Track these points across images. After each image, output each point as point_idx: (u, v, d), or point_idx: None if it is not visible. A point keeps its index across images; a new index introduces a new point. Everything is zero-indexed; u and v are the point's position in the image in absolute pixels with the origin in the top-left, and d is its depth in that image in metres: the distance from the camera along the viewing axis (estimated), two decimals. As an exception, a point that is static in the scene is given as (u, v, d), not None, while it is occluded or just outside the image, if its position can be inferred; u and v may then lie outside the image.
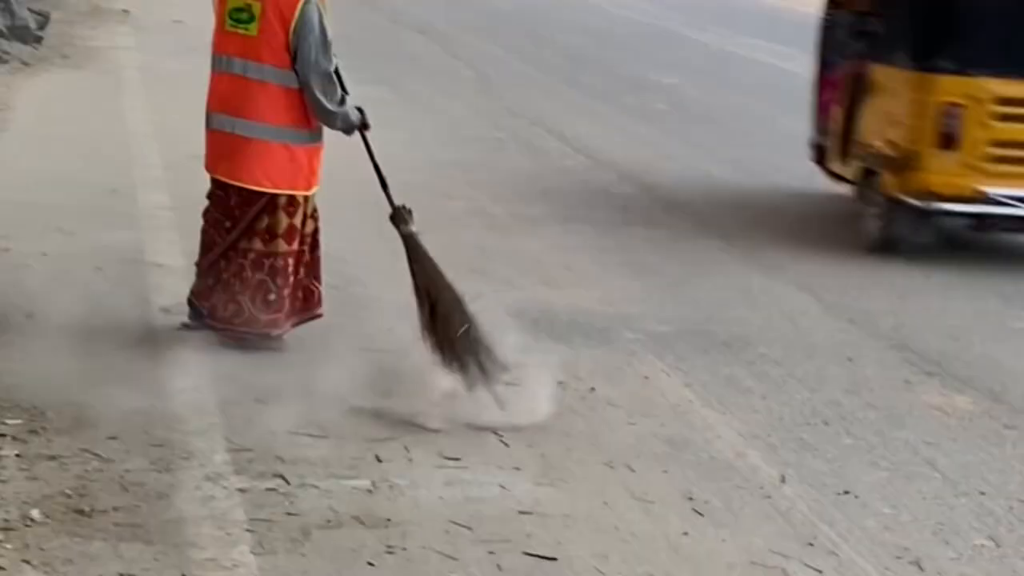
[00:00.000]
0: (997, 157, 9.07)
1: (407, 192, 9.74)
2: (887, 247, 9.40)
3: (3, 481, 5.02)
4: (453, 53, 18.10)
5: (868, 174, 9.55)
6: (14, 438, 5.39)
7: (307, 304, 6.76)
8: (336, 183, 9.84)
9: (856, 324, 7.89)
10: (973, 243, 9.83)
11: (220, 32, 6.56)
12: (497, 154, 11.75)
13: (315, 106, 6.42)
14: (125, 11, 18.83)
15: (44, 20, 16.20)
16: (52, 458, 5.25)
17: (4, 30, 15.05)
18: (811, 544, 5.03)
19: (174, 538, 4.69)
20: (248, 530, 4.79)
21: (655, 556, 4.85)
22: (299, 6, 6.31)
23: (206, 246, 6.72)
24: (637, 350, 7.03)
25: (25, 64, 14.29)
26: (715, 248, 9.30)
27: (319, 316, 6.80)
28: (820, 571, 4.82)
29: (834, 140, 10.14)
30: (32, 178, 9.42)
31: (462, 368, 6.08)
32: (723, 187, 11.35)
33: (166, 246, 8.13)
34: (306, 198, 6.65)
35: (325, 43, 6.34)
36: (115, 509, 4.87)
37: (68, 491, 4.97)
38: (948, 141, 9.00)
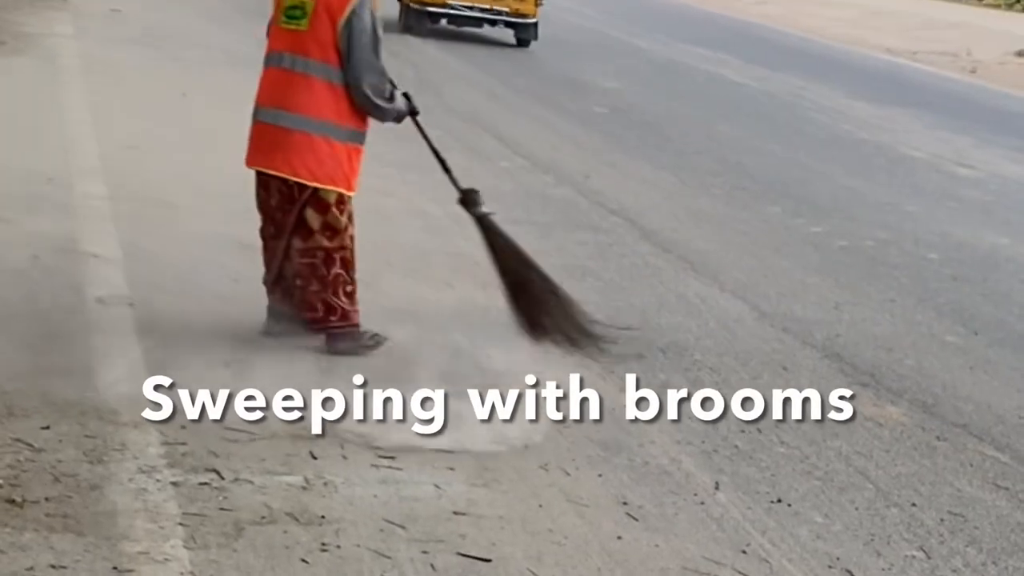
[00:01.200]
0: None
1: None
2: (406, 31, 16.20)
3: (-69, 470, 4.96)
4: (393, 52, 18.05)
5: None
6: (-57, 426, 5.33)
7: (325, 318, 6.74)
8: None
9: (791, 333, 7.93)
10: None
11: (274, 29, 6.62)
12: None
13: (366, 104, 6.48)
14: (63, -2, 18.68)
15: (-19, 4, 16.03)
16: (-18, 447, 5.19)
17: (-60, 13, 14.88)
18: (744, 551, 5.05)
19: (106, 530, 4.64)
20: (181, 524, 4.75)
21: (589, 559, 4.85)
22: (350, 5, 6.36)
23: (267, 261, 6.78)
24: (572, 354, 7.02)
25: (-40, 49, 14.13)
26: (652, 254, 9.32)
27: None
28: (752, 578, 4.85)
29: None
30: (-34, 164, 9.31)
31: (557, 337, 6.73)
32: (661, 192, 11.38)
33: (101, 236, 8.05)
34: (348, 197, 6.64)
35: (376, 42, 6.40)
36: (47, 500, 4.82)
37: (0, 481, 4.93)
38: None
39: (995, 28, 34.90)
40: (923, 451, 6.37)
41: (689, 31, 24.20)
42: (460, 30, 22.18)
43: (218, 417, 5.60)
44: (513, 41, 22.15)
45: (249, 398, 5.80)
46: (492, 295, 7.69)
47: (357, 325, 6.71)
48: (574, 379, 6.55)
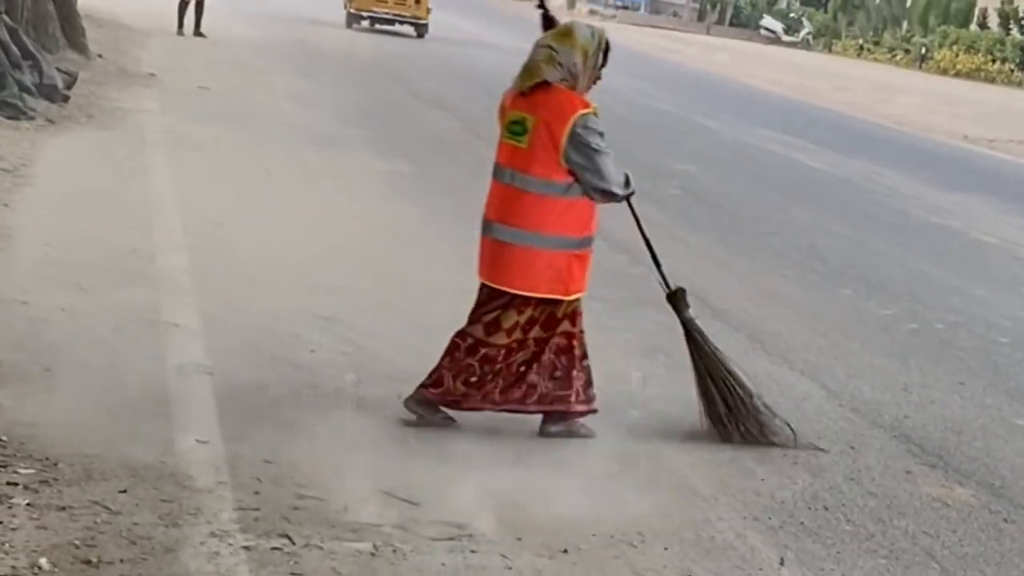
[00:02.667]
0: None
1: (421, 265, 9.99)
2: (348, 27, 32.55)
3: (13, 529, 5.09)
4: (472, 131, 18.26)
5: None
6: (26, 487, 5.46)
7: (524, 398, 6.77)
8: (351, 257, 10.04)
9: (859, 413, 7.96)
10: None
11: (501, 142, 6.72)
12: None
13: (611, 200, 6.64)
14: (152, 75, 19.06)
15: (72, 80, 16.40)
16: (62, 509, 5.32)
17: (32, 88, 15.24)
18: (806, 626, 5.09)
19: (180, 592, 4.76)
20: (252, 587, 4.86)
21: (652, 630, 4.90)
22: (570, 123, 6.40)
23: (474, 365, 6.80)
24: (643, 429, 7.10)
25: (51, 122, 14.46)
26: (723, 332, 9.35)
27: (530, 412, 6.83)
28: (814, 652, 4.88)
29: None
30: (53, 235, 9.54)
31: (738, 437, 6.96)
32: (734, 273, 11.44)
33: (182, 307, 8.23)
34: (560, 301, 6.64)
35: (600, 151, 6.44)
36: (122, 561, 4.94)
37: (76, 542, 5.05)
38: None
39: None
40: (990, 532, 6.38)
41: (763, 115, 24.30)
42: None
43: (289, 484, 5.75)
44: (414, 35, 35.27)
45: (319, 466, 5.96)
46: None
47: (425, 399, 6.75)
48: (641, 454, 6.64)
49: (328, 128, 16.90)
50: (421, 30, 35.45)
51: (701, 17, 60.13)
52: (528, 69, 6.50)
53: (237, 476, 5.83)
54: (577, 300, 6.71)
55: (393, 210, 12.16)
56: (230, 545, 5.19)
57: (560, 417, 6.81)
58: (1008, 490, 6.99)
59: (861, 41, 55.75)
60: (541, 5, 6.85)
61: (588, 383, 6.82)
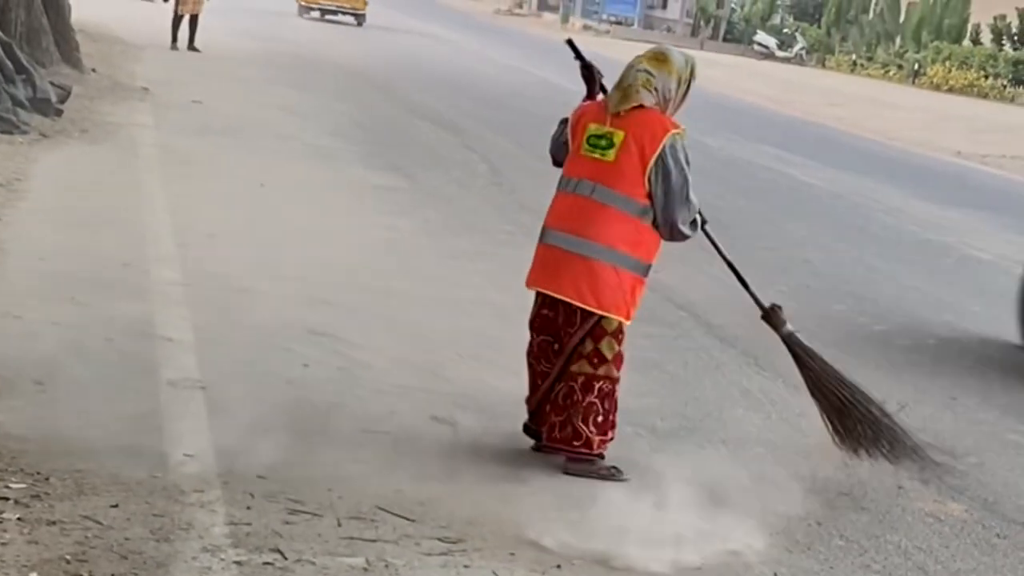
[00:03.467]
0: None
1: (415, 280, 9.99)
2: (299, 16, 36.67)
3: (3, 544, 5.07)
4: (467, 145, 18.29)
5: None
6: (16, 502, 5.44)
7: (573, 440, 6.63)
8: (343, 270, 10.04)
9: (853, 429, 7.95)
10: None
11: (575, 156, 6.65)
12: (506, 246, 11.87)
13: (677, 238, 6.55)
14: (145, 89, 19.07)
15: (65, 94, 16.40)
16: (53, 523, 5.30)
17: (25, 102, 15.24)
18: (799, 642, 5.08)
19: (171, 606, 4.75)
20: (244, 602, 4.85)
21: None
22: (663, 142, 6.37)
23: (533, 383, 6.76)
24: (636, 444, 7.09)
25: (44, 136, 14.46)
26: (717, 348, 9.39)
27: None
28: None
29: None
30: (47, 248, 9.53)
31: (873, 450, 6.90)
32: (728, 288, 11.42)
33: (176, 320, 8.22)
34: (624, 327, 6.59)
35: (686, 179, 6.42)
36: (113, 576, 4.94)
37: (67, 556, 5.03)
38: None
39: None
40: (983, 548, 6.38)
41: (757, 130, 24.32)
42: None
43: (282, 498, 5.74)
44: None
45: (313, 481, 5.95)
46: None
47: (599, 455, 6.61)
48: (634, 468, 6.63)
49: (321, 140, 16.91)
50: (360, 20, 44.90)
51: (695, 32, 60.22)
52: (624, 91, 6.46)
53: (229, 491, 5.82)
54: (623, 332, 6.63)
55: (386, 221, 12.16)
56: (222, 560, 5.17)
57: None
58: (1001, 505, 6.98)
59: (854, 57, 55.87)
60: (571, 43, 6.92)
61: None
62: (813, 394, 7.10)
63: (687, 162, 6.43)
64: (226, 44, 26.65)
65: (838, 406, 7.04)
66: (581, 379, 6.55)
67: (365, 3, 44.48)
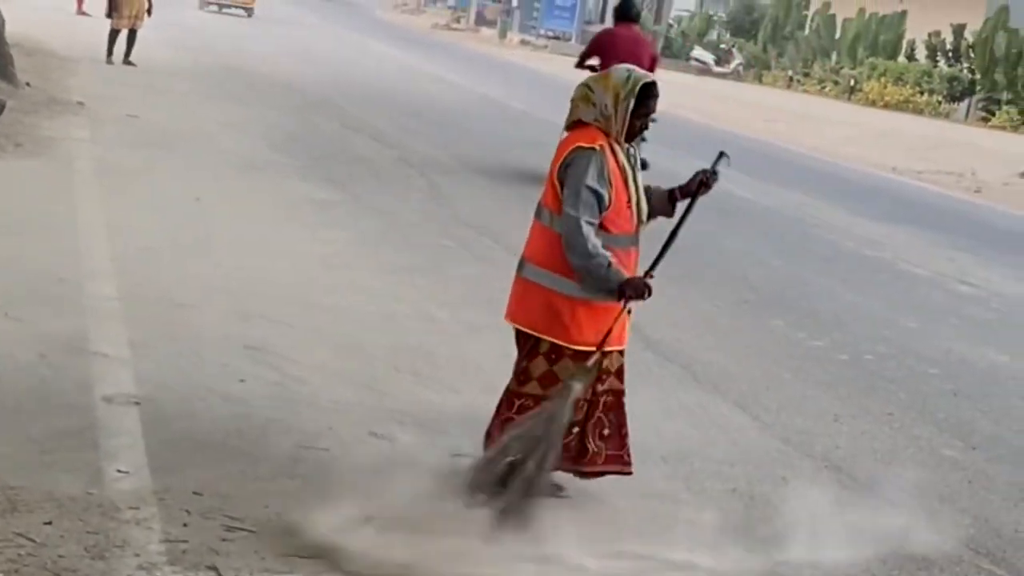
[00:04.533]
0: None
1: (353, 294, 9.95)
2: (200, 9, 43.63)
3: (-65, 562, 5.02)
4: (405, 160, 18.26)
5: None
6: (-52, 519, 5.39)
7: (577, 458, 6.47)
8: (280, 285, 9.99)
9: (791, 444, 7.99)
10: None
11: None
12: (444, 261, 11.85)
13: (565, 251, 6.16)
14: (80, 103, 18.90)
15: (-1, 108, 16.24)
16: (-15, 541, 5.25)
17: (-42, 116, 15.08)
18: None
19: (105, 625, 4.70)
20: (180, 620, 4.81)
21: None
22: (568, 152, 6.21)
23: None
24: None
25: (-23, 150, 14.31)
26: (655, 363, 9.40)
27: (587, 474, 6.55)
28: None
29: None
30: (-21, 263, 9.43)
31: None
32: (667, 303, 11.47)
33: (111, 335, 8.14)
34: (578, 351, 6.29)
35: (578, 194, 6.10)
36: (47, 594, 4.88)
37: (0, 574, 4.97)
38: None
39: (1001, 149, 35.19)
40: (919, 563, 6.41)
41: (693, 146, 24.36)
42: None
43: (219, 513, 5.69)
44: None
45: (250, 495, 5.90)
46: (495, 400, 7.78)
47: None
48: (571, 484, 6.62)
49: (259, 154, 16.84)
50: (250, 12, 52.52)
51: (633, 48, 60.46)
52: (570, 107, 6.39)
53: (165, 508, 5.77)
54: (615, 354, 6.52)
55: (324, 235, 12.11)
56: (157, 578, 5.13)
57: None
58: (938, 521, 7.01)
59: (791, 72, 56.25)
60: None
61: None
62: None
63: (584, 174, 6.09)
64: (159, 56, 26.49)
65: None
66: (623, 399, 6.64)
67: (254, 1, 53.40)
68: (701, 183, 6.59)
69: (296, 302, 9.56)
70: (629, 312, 6.40)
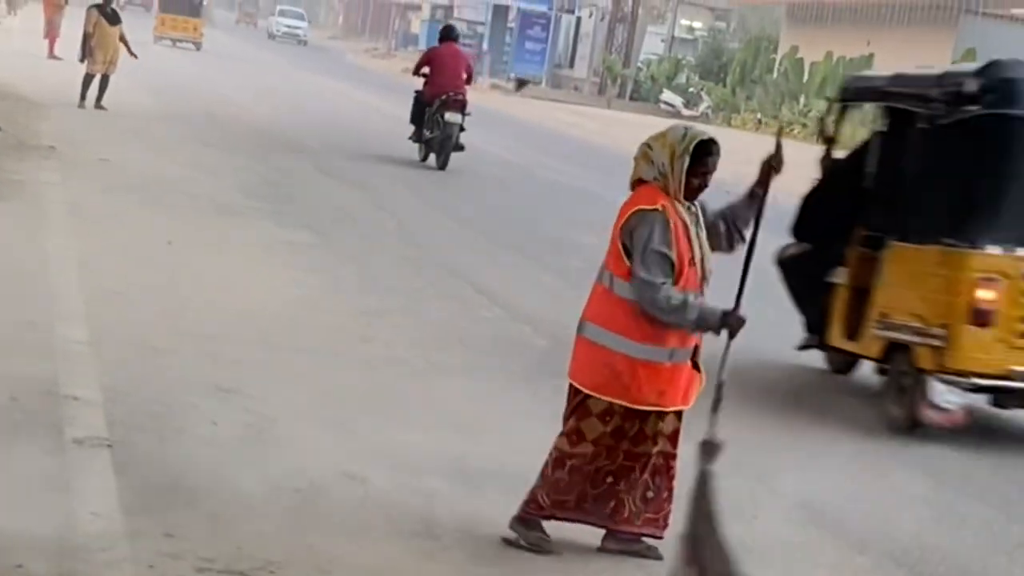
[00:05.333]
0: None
1: (327, 335, 9.97)
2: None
3: (-96, 605, 5.01)
4: (377, 204, 18.28)
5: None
6: (-84, 562, 5.38)
7: (613, 516, 6.48)
8: (251, 327, 10.00)
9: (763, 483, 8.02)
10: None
11: None
12: (416, 303, 11.87)
13: (649, 312, 6.17)
14: (51, 147, 18.88)
15: (-31, 152, 16.21)
16: (-44, 584, 5.25)
17: (-72, 160, 15.04)
18: None
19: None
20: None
21: None
22: (627, 215, 6.24)
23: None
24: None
25: (-53, 194, 14.29)
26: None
27: (619, 534, 6.51)
28: None
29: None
30: (-51, 307, 9.42)
31: None
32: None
33: (82, 379, 8.13)
34: (636, 412, 6.30)
35: (647, 258, 6.13)
36: (16, 637, 4.88)
37: (-29, 617, 4.98)
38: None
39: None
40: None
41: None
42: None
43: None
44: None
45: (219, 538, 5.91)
46: (467, 440, 7.82)
47: (523, 518, 6.46)
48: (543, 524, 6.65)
49: (229, 197, 16.85)
50: (198, 46, 56.80)
51: (602, 91, 60.56)
52: (633, 165, 6.38)
53: (136, 550, 5.77)
54: (671, 417, 6.42)
55: (296, 278, 12.13)
56: (129, 620, 5.13)
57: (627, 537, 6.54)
58: (906, 558, 7.04)
59: (759, 115, 56.56)
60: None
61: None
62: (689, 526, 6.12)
63: (651, 239, 6.14)
64: (128, 100, 26.47)
65: (699, 545, 6.11)
66: (555, 453, 6.49)
67: (201, 35, 57.47)
68: (770, 167, 6.54)
69: (268, 344, 9.58)
70: (698, 370, 6.36)
